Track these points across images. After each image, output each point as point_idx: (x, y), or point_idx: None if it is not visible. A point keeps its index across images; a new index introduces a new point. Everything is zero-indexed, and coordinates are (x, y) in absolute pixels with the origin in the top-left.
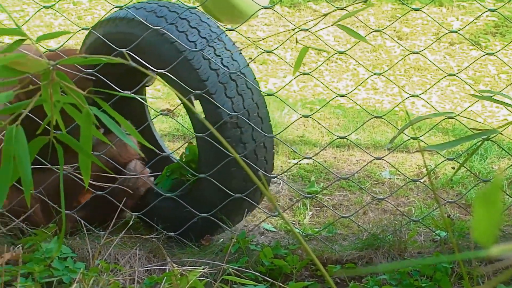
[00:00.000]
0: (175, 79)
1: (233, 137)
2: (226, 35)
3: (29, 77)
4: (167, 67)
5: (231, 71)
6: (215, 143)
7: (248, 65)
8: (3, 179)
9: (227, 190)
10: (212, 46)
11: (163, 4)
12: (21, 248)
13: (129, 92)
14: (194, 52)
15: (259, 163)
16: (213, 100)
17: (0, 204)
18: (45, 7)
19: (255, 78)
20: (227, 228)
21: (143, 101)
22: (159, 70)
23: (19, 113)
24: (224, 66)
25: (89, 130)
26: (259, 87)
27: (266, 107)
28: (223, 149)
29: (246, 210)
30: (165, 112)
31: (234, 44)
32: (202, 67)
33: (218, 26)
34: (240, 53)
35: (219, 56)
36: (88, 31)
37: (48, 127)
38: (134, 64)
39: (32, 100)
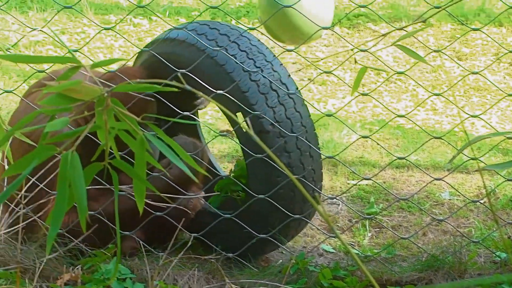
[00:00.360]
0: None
1: (276, 146)
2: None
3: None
4: (215, 89)
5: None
6: (263, 158)
7: (289, 75)
8: (59, 204)
9: (276, 204)
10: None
11: (214, 27)
12: (80, 268)
13: (184, 113)
14: (244, 77)
15: (307, 173)
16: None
17: (56, 229)
18: (105, 28)
19: (297, 88)
20: (280, 245)
21: (196, 123)
22: (218, 91)
23: (74, 139)
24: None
25: (143, 156)
26: (301, 97)
27: (310, 116)
28: (269, 161)
29: (298, 226)
30: (224, 133)
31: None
32: (250, 90)
33: (270, 51)
34: (281, 64)
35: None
36: (140, 51)
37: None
38: (189, 88)
39: (87, 127)
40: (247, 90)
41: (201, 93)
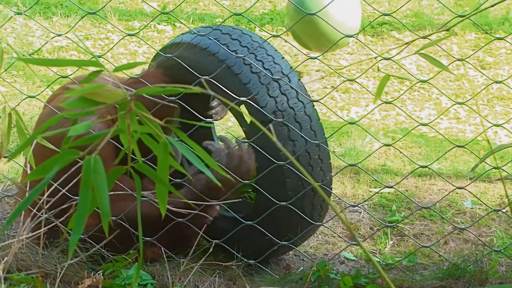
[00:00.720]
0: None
1: (281, 136)
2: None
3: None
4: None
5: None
6: (267, 153)
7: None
8: (82, 209)
9: (286, 204)
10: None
11: (226, 31)
12: (101, 274)
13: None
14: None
15: (313, 161)
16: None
17: (78, 234)
18: (129, 34)
19: (299, 80)
20: (294, 247)
21: (210, 126)
22: (242, 98)
23: (98, 142)
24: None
25: (166, 160)
26: (305, 90)
27: (314, 106)
28: (275, 161)
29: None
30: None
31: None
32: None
33: (283, 58)
34: (283, 57)
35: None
36: (156, 53)
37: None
38: (212, 93)
39: (110, 131)
40: (248, 82)
41: (222, 99)
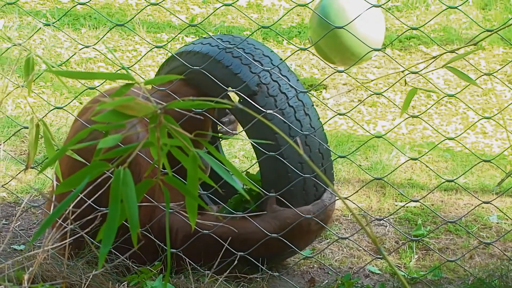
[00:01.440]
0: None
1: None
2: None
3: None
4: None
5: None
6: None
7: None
8: (111, 220)
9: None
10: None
11: (219, 37)
12: (126, 285)
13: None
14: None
15: (314, 155)
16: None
17: (108, 245)
18: (157, 47)
19: (298, 80)
20: (298, 251)
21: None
22: (271, 111)
23: (128, 155)
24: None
25: (195, 172)
26: (303, 88)
27: (313, 105)
28: (281, 159)
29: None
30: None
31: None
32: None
33: (289, 69)
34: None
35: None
36: (164, 61)
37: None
38: (240, 106)
39: (139, 143)
40: (265, 105)
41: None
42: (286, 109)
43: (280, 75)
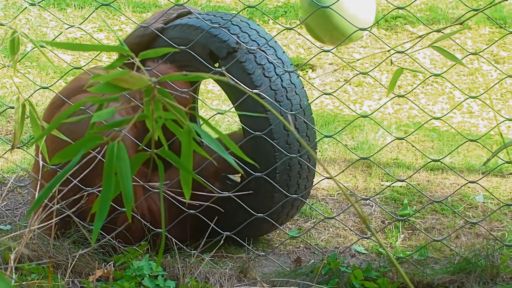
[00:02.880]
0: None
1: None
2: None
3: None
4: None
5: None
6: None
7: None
8: (105, 194)
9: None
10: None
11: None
12: (112, 265)
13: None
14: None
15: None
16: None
17: (102, 219)
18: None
19: (284, 52)
20: (278, 225)
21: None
22: (255, 91)
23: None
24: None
25: (190, 146)
26: (288, 60)
27: (292, 64)
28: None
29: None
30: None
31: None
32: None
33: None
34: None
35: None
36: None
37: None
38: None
39: (134, 117)
40: (245, 61)
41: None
42: (265, 65)
43: (259, 36)
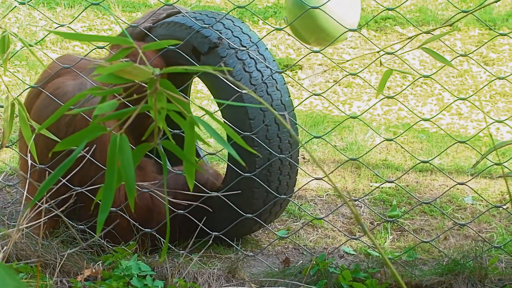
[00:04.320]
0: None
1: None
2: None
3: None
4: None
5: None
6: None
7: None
8: (109, 185)
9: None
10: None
11: (210, 16)
12: (101, 264)
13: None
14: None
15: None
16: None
17: (106, 208)
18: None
19: (266, 49)
20: (264, 224)
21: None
22: (244, 92)
23: (124, 120)
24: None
25: (192, 137)
26: (272, 57)
27: (274, 60)
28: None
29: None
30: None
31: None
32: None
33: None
34: (251, 30)
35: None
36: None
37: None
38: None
39: (137, 108)
40: (225, 56)
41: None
42: (246, 60)
43: (242, 33)
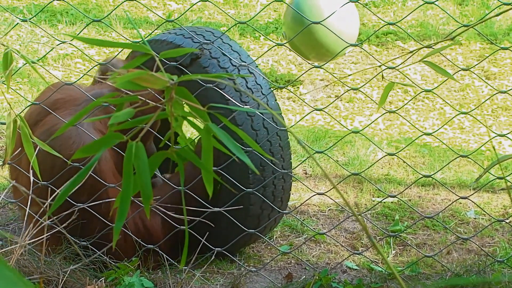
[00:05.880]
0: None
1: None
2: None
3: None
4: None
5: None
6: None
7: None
8: (125, 193)
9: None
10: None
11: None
12: (103, 281)
13: None
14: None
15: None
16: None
17: (122, 219)
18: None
19: (248, 56)
20: (262, 236)
21: None
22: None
23: (140, 129)
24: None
25: (210, 144)
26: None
27: (257, 66)
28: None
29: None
30: None
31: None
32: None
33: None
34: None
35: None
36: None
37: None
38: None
39: (153, 115)
40: (208, 66)
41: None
42: (229, 68)
43: (223, 43)
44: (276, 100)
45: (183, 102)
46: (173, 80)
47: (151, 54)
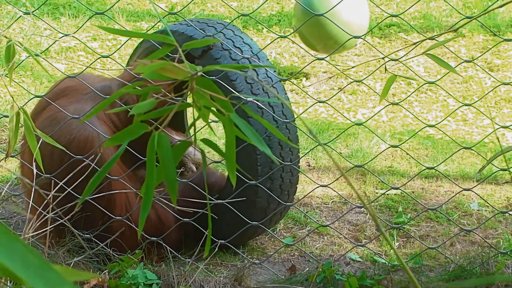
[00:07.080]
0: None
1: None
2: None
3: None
4: None
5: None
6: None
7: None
8: (149, 183)
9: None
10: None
11: (212, 26)
12: (107, 273)
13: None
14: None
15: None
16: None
17: (147, 210)
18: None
19: (259, 49)
20: (266, 229)
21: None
22: (249, 98)
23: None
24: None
25: (232, 135)
26: (273, 67)
27: (268, 59)
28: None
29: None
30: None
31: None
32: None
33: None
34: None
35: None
36: (138, 43)
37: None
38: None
39: (176, 105)
40: (220, 57)
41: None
42: (240, 60)
43: (234, 35)
44: (286, 93)
45: (205, 92)
46: (196, 70)
47: (174, 45)
